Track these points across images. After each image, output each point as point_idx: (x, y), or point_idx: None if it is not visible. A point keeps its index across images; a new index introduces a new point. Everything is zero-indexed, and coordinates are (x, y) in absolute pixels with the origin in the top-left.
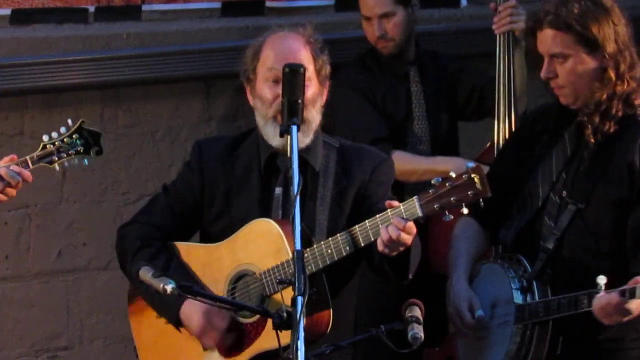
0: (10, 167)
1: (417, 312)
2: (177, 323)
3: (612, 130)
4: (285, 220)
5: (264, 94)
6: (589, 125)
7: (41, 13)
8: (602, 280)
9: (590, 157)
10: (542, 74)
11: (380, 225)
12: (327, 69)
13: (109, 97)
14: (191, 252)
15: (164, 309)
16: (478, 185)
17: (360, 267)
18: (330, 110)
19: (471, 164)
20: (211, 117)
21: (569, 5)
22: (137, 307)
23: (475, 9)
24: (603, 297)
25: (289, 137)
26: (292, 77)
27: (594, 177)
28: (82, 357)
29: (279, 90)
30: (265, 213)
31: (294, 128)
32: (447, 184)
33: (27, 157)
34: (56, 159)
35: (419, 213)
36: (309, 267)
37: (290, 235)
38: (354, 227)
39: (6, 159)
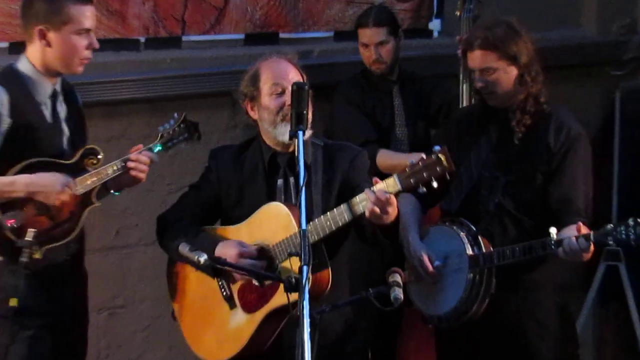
0: (141, 152)
1: (398, 278)
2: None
3: (530, 122)
4: (290, 203)
5: (271, 105)
6: (514, 119)
7: (102, 43)
8: (553, 230)
9: (515, 142)
10: (475, 85)
11: (367, 199)
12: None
13: (156, 109)
14: (218, 232)
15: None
16: (444, 163)
17: (349, 235)
18: (330, 117)
19: (438, 147)
20: (236, 124)
21: (493, 30)
22: (174, 277)
23: (445, 39)
24: (572, 243)
25: (296, 140)
26: (299, 92)
27: (519, 156)
28: (135, 313)
29: (282, 100)
30: (271, 200)
31: (300, 133)
32: (420, 163)
33: (151, 145)
34: (170, 145)
35: (399, 187)
36: (313, 237)
37: (296, 214)
38: (347, 202)
39: (134, 148)
